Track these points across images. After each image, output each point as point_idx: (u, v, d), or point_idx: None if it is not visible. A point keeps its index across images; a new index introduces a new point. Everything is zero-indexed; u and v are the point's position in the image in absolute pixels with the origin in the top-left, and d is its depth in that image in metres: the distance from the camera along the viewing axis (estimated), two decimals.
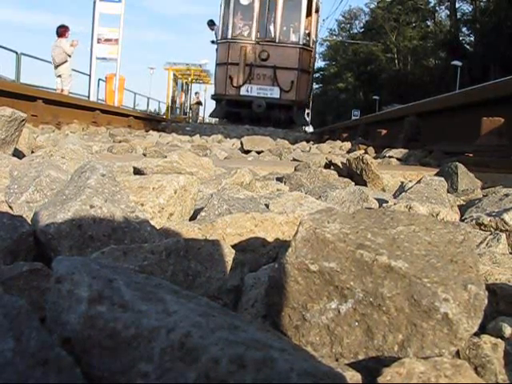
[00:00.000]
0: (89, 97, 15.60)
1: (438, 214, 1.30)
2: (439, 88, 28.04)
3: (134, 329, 0.44)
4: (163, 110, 30.03)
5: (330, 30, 56.13)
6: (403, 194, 1.62)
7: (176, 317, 0.45)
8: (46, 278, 0.70)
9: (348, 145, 6.33)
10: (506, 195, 1.57)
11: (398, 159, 4.02)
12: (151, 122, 13.08)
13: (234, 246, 0.85)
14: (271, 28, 19.38)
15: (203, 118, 33.27)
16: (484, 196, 1.80)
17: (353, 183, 1.99)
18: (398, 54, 44.82)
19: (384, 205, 1.43)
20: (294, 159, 3.62)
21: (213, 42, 21.59)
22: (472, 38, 40.79)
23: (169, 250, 0.71)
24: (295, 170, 2.38)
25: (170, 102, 28.88)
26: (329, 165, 2.40)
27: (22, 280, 0.70)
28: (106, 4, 15.77)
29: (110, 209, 0.85)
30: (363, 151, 4.89)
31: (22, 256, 0.84)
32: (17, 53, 13.73)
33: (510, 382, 0.56)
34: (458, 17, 41.22)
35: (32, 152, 2.30)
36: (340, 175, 2.12)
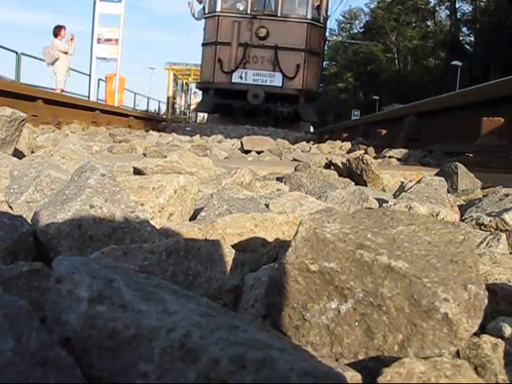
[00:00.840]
0: (89, 97, 15.60)
1: (438, 214, 1.30)
2: (439, 88, 28.05)
3: (134, 329, 0.44)
4: (163, 110, 30.06)
5: (330, 29, 56.07)
6: (403, 193, 1.62)
7: (176, 317, 0.45)
8: (46, 278, 0.70)
9: (348, 145, 6.33)
10: (506, 195, 1.57)
11: (398, 159, 4.02)
12: (151, 122, 13.08)
13: (234, 246, 0.85)
14: None
15: (203, 117, 33.21)
16: (484, 196, 1.80)
17: (353, 183, 1.99)
18: (398, 54, 44.82)
19: (384, 205, 1.43)
20: (294, 159, 3.62)
21: (197, 18, 17.15)
22: (472, 38, 40.81)
23: (169, 250, 0.71)
24: (295, 169, 2.38)
25: (170, 102, 28.87)
26: (329, 165, 2.40)
27: (21, 280, 0.70)
28: (106, 4, 15.76)
29: (110, 209, 0.85)
30: (363, 151, 4.90)
31: (21, 256, 0.84)
32: (17, 53, 13.73)
33: (510, 382, 0.56)
34: (458, 17, 41.24)
35: (32, 152, 2.30)
36: (340, 175, 2.12)
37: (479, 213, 1.39)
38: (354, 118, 27.42)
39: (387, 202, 1.54)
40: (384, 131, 6.92)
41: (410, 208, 1.29)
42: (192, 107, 30.47)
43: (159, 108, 30.80)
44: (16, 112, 1.83)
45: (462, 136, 4.26)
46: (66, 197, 0.88)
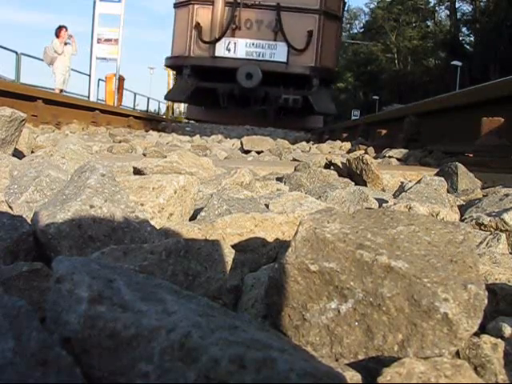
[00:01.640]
0: (89, 97, 15.60)
1: (437, 214, 1.30)
2: (439, 88, 28.03)
3: (134, 329, 0.44)
4: (163, 110, 30.00)
5: None
6: (403, 194, 1.62)
7: (176, 317, 0.45)
8: (46, 278, 0.70)
9: (348, 145, 6.33)
10: (506, 195, 1.57)
11: (397, 159, 4.02)
12: (151, 122, 13.09)
13: (233, 246, 0.85)
14: None
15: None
16: (484, 196, 1.80)
17: (353, 183, 1.99)
18: (398, 54, 44.82)
19: (384, 205, 1.43)
20: (294, 159, 3.62)
21: None
22: (472, 38, 40.82)
23: (169, 250, 0.71)
24: (295, 170, 2.38)
25: (170, 101, 28.81)
26: (329, 165, 2.40)
27: (21, 280, 0.70)
28: (106, 4, 15.76)
29: (110, 209, 0.85)
30: (363, 151, 4.89)
31: (21, 256, 0.84)
32: (17, 53, 13.74)
33: (509, 382, 0.56)
34: (458, 17, 41.24)
35: (32, 152, 2.30)
36: (340, 175, 2.12)
37: (479, 213, 1.39)
38: (353, 118, 27.35)
39: (387, 202, 1.54)
40: (384, 131, 6.93)
41: (410, 208, 1.29)
42: None
43: (159, 108, 30.79)
44: (16, 112, 1.83)
45: (461, 136, 4.27)
46: (65, 197, 0.88)
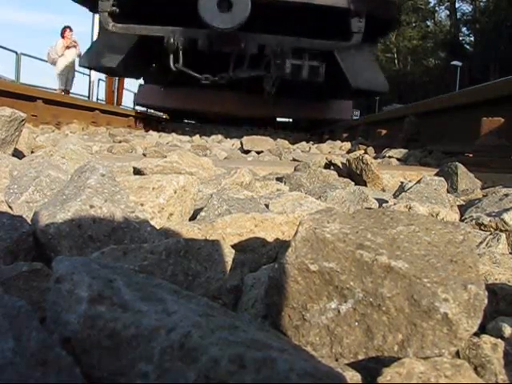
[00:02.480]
0: (89, 97, 15.59)
1: (437, 214, 1.30)
2: (439, 88, 28.02)
3: (133, 329, 0.44)
4: None
5: None
6: (403, 194, 1.62)
7: (176, 317, 0.45)
8: (46, 278, 0.70)
9: (348, 145, 6.32)
10: (506, 195, 1.57)
11: (397, 159, 4.02)
12: (151, 122, 13.08)
13: (233, 246, 0.85)
14: None
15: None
16: (484, 196, 1.80)
17: (353, 183, 1.99)
18: (398, 54, 44.81)
19: (384, 205, 1.43)
20: (294, 159, 3.62)
21: None
22: (472, 38, 40.81)
23: (169, 250, 0.71)
24: (295, 170, 2.38)
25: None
26: (329, 165, 2.40)
27: (21, 280, 0.70)
28: None
29: (110, 209, 0.85)
30: (363, 151, 4.89)
31: (21, 256, 0.84)
32: (17, 53, 13.74)
33: (509, 382, 0.56)
34: (458, 17, 41.24)
35: (32, 152, 2.30)
36: (340, 175, 2.12)
37: (479, 213, 1.39)
38: (354, 117, 27.29)
39: (387, 202, 1.54)
40: (384, 131, 6.93)
41: (410, 208, 1.29)
42: None
43: None
44: (16, 112, 1.84)
45: (461, 136, 4.27)
46: (65, 197, 0.88)
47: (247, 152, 4.24)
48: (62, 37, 11.84)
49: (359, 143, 6.39)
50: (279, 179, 2.05)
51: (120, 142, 4.61)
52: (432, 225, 0.65)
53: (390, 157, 4.13)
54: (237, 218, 0.93)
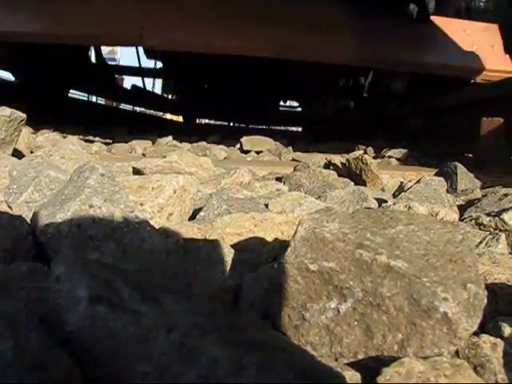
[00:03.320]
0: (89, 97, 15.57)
1: (437, 214, 1.30)
2: None
3: (133, 329, 0.44)
4: None
5: None
6: (402, 193, 1.62)
7: (175, 317, 0.45)
8: (46, 277, 0.70)
9: (348, 145, 6.31)
10: (505, 195, 1.57)
11: (397, 159, 4.02)
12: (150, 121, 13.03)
13: (233, 246, 0.85)
14: None
15: None
16: (483, 196, 1.80)
17: (352, 183, 1.99)
18: None
19: (383, 204, 1.43)
20: (294, 159, 3.62)
21: None
22: None
23: (168, 250, 0.71)
24: (294, 169, 2.38)
25: None
26: (328, 165, 2.40)
27: (21, 280, 0.70)
28: None
29: (110, 208, 0.85)
30: (362, 151, 4.89)
31: (21, 256, 0.84)
32: None
33: (509, 381, 0.56)
34: None
35: (31, 152, 2.30)
36: (339, 175, 2.12)
37: (478, 213, 1.39)
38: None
39: (386, 201, 1.54)
40: (384, 131, 6.91)
41: (410, 208, 1.29)
42: None
43: None
44: (15, 112, 1.83)
45: (461, 136, 4.27)
46: (65, 197, 0.88)
47: (246, 152, 4.24)
48: None
49: (359, 143, 6.38)
50: (279, 179, 2.05)
51: (119, 142, 4.61)
52: (431, 224, 0.65)
53: (389, 157, 4.13)
54: (236, 217, 0.93)
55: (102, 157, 2.67)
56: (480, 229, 1.26)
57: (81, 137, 4.67)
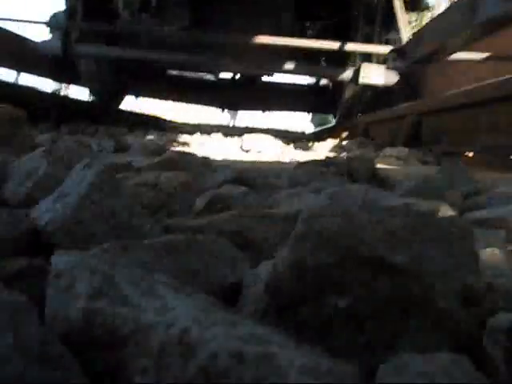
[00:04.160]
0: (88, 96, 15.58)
1: (437, 212, 1.30)
2: None
3: (133, 324, 0.44)
4: None
5: None
6: (402, 191, 1.62)
7: (175, 312, 0.45)
8: (46, 273, 0.70)
9: (348, 143, 6.32)
10: (506, 194, 1.57)
11: (397, 158, 4.02)
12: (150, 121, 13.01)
13: (233, 242, 0.85)
14: None
15: None
16: (484, 195, 1.80)
17: (352, 181, 1.99)
18: None
19: (384, 201, 1.43)
20: (294, 158, 3.62)
21: None
22: None
23: (169, 246, 0.71)
24: (294, 167, 2.38)
25: None
26: (329, 163, 2.41)
27: (21, 276, 0.70)
28: None
29: (110, 204, 0.85)
30: (363, 150, 4.89)
31: (21, 252, 0.84)
32: None
33: (510, 379, 0.56)
34: None
35: (32, 150, 2.29)
36: (339, 173, 2.12)
37: (479, 211, 1.39)
38: None
39: (387, 197, 1.53)
40: (384, 130, 6.92)
41: (410, 205, 1.29)
42: None
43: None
44: (15, 110, 1.84)
45: (461, 136, 4.26)
46: (65, 193, 0.88)
47: (247, 150, 4.24)
48: None
49: (359, 142, 6.39)
50: (278, 176, 2.05)
51: (120, 140, 4.60)
52: (431, 221, 0.64)
53: (389, 156, 4.13)
54: (236, 214, 0.93)
55: (102, 155, 2.68)
56: (480, 227, 1.26)
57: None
